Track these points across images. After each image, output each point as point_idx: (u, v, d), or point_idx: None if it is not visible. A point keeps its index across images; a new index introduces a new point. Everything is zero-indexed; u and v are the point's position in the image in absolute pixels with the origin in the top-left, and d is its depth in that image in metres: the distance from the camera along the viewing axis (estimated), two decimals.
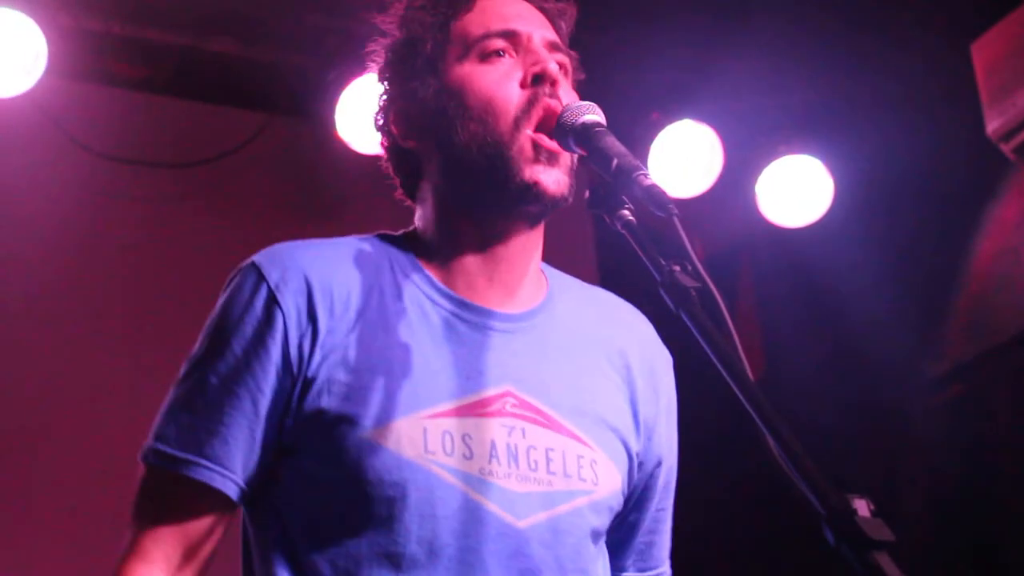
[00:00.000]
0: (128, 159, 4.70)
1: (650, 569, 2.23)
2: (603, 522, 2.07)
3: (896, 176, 5.27)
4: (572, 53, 2.14)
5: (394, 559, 1.91)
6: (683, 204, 4.78)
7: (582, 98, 2.00)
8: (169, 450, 1.93)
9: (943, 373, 5.43)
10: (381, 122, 2.12)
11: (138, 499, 1.97)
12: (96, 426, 4.73)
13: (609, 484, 2.04)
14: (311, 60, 4.78)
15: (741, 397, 1.56)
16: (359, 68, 4.43)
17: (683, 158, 5.11)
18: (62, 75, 4.46)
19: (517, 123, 1.98)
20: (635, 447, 2.10)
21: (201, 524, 1.97)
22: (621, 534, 2.18)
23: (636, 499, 2.15)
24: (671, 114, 5.01)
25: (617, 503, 2.08)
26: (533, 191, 1.96)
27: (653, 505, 2.19)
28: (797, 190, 5.23)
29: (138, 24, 4.63)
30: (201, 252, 4.68)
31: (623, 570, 2.20)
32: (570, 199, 1.99)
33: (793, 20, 4.93)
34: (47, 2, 4.36)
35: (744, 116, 5.24)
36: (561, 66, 2.05)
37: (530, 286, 2.12)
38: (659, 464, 2.17)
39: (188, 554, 1.96)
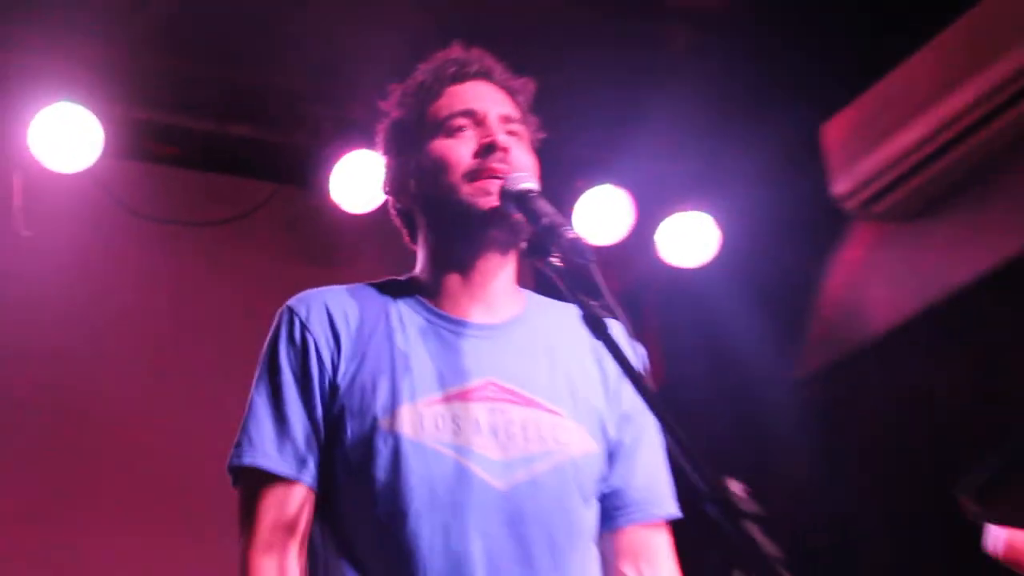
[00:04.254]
0: (165, 219, 5.10)
1: (658, 515, 2.35)
2: (585, 481, 2.24)
3: (766, 227, 5.79)
4: (531, 121, 2.35)
5: (402, 512, 2.11)
6: (601, 252, 5.73)
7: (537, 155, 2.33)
8: (251, 457, 2.17)
9: (801, 378, 5.96)
10: (385, 188, 2.40)
11: (241, 502, 2.20)
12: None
13: (583, 446, 2.23)
14: (310, 141, 5.16)
15: (645, 402, 1.85)
16: (347, 147, 5.08)
17: (601, 214, 5.57)
18: (114, 155, 4.82)
19: (469, 176, 2.20)
20: (607, 415, 2.28)
21: (293, 507, 2.18)
22: (619, 489, 2.32)
23: (623, 458, 2.31)
24: (592, 179, 5.51)
25: (597, 464, 2.26)
26: (487, 211, 2.17)
27: (640, 461, 2.33)
28: (691, 239, 5.73)
29: (173, 112, 5.03)
30: (232, 291, 5.12)
31: (631, 517, 2.34)
32: (528, 233, 2.16)
33: (690, 100, 5.30)
34: (103, 96, 4.71)
35: (651, 179, 5.67)
36: (515, 134, 2.26)
37: (507, 303, 2.31)
38: (630, 422, 2.33)
39: (289, 532, 2.18)
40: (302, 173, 5.25)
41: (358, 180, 5.14)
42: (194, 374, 5.10)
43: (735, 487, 1.55)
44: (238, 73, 5.23)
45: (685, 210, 5.69)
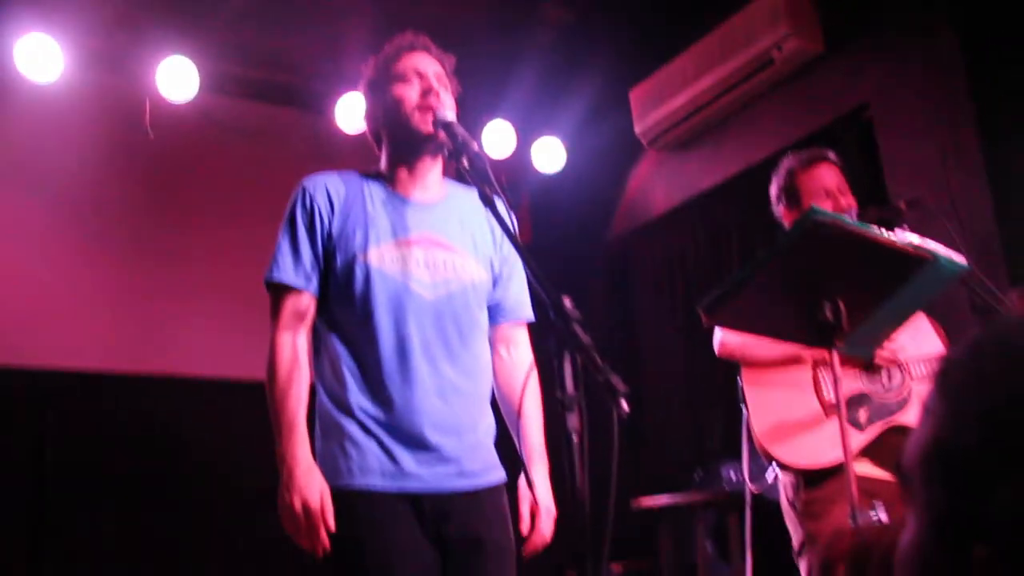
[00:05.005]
0: (239, 129, 5.48)
1: (522, 317, 2.48)
2: (479, 296, 2.37)
3: (595, 150, 6.33)
4: (453, 80, 2.45)
5: (369, 311, 2.25)
6: (494, 163, 5.64)
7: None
8: (278, 275, 2.30)
9: (610, 240, 6.38)
10: (364, 118, 2.49)
11: (272, 302, 2.32)
12: None
13: (479, 275, 2.35)
14: (322, 86, 5.57)
15: (515, 248, 2.14)
16: (345, 89, 5.43)
17: (495, 138, 6.00)
18: (206, 90, 5.18)
19: (416, 109, 2.32)
20: (494, 257, 2.41)
21: (303, 304, 2.30)
22: (499, 302, 2.44)
23: (502, 283, 2.43)
24: (488, 116, 5.94)
25: (486, 287, 2.38)
26: (426, 133, 2.29)
27: (511, 285, 2.46)
28: (548, 155, 6.25)
29: (243, 67, 5.46)
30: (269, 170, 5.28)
31: (505, 319, 2.46)
32: (450, 146, 2.24)
33: (551, 63, 5.87)
34: (204, 54, 5.09)
35: (525, 116, 6.11)
36: (443, 85, 2.38)
37: (436, 188, 2.42)
38: (506, 262, 2.43)
39: (302, 321, 2.31)
40: (318, 102, 5.61)
41: (350, 112, 5.52)
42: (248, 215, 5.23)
43: (567, 301, 1.73)
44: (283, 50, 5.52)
45: (546, 136, 6.16)
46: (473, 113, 5.45)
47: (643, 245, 6.30)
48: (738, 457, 4.15)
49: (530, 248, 2.10)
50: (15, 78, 4.77)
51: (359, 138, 4.89)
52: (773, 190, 3.10)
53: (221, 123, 5.49)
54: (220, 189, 5.59)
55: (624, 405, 1.63)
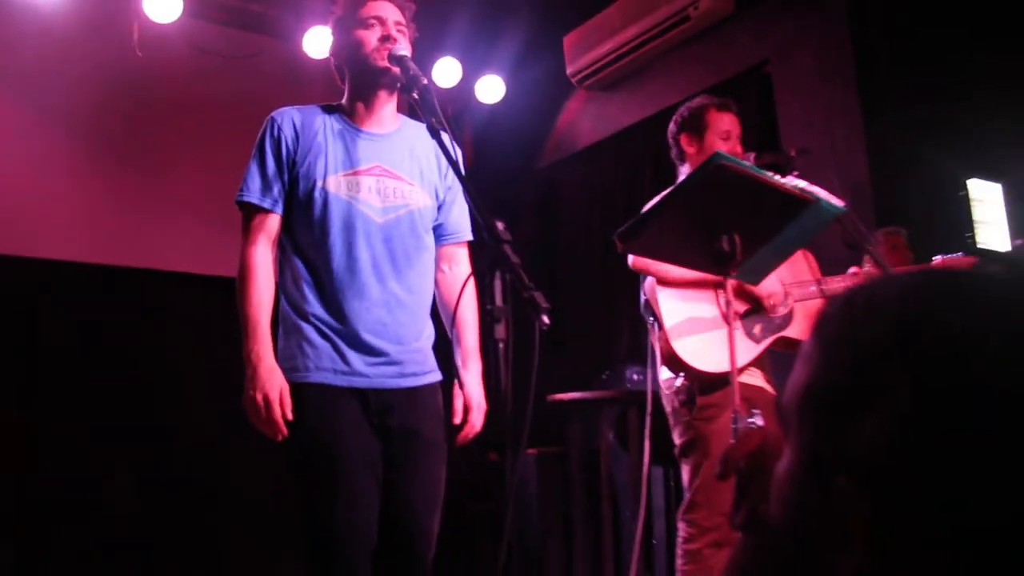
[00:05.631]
0: (211, 51, 5.25)
1: (462, 238, 2.47)
2: (425, 220, 2.36)
3: (531, 87, 6.22)
4: (411, 26, 2.39)
5: (325, 232, 2.24)
6: (443, 91, 5.78)
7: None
8: (248, 196, 2.29)
9: (541, 168, 6.33)
10: (330, 53, 2.46)
11: (243, 219, 2.31)
12: None
13: (425, 201, 2.35)
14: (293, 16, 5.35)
15: (457, 177, 2.03)
16: (312, 21, 5.27)
17: (441, 72, 5.86)
18: (188, 15, 5.00)
19: (374, 51, 2.29)
20: (439, 185, 2.40)
21: (269, 223, 2.29)
22: (442, 224, 2.43)
23: (445, 208, 2.43)
24: (436, 55, 5.73)
25: (431, 212, 2.38)
26: (382, 69, 2.27)
27: (453, 210, 2.45)
28: (490, 90, 6.06)
29: None
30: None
31: (447, 239, 2.45)
32: (403, 80, 2.21)
33: (495, 11, 5.69)
34: None
35: (471, 54, 5.92)
36: (401, 31, 2.34)
37: (390, 121, 2.38)
38: (450, 189, 2.41)
39: (268, 237, 2.29)
40: (289, 34, 5.44)
41: (316, 42, 5.35)
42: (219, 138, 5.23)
43: (500, 225, 1.74)
44: None
45: (487, 74, 6.03)
46: (425, 51, 5.16)
47: (569, 173, 6.24)
48: (639, 361, 4.43)
49: (471, 172, 2.16)
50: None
51: (323, 64, 4.92)
52: (680, 115, 3.09)
53: (201, 45, 5.33)
54: (199, 105, 5.45)
55: (545, 319, 1.69)
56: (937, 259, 3.15)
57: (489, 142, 6.49)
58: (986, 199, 4.78)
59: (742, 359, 2.71)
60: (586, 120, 6.09)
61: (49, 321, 4.94)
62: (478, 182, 1.97)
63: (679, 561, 2.75)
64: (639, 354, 4.59)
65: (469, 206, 2.12)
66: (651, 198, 5.02)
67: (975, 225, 4.70)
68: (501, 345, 1.71)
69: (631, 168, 5.79)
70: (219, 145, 5.17)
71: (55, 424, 4.85)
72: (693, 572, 2.69)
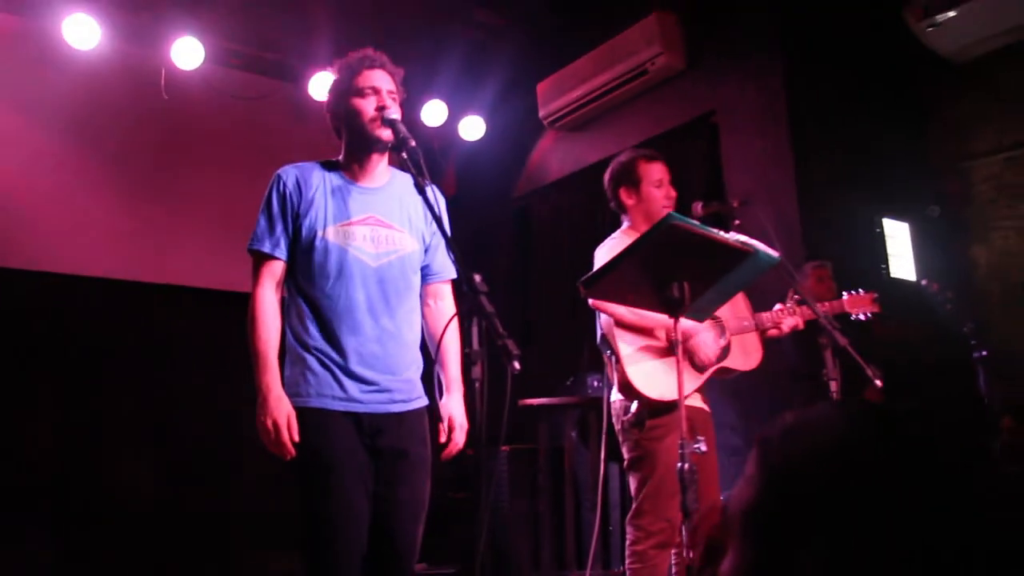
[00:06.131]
0: (232, 94, 5.25)
1: (446, 277, 2.42)
2: (414, 263, 2.33)
3: (508, 127, 6.15)
4: (401, 89, 2.35)
5: (326, 277, 2.21)
6: (431, 130, 5.81)
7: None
8: (257, 245, 2.27)
9: (515, 198, 6.23)
10: (327, 111, 2.38)
11: (253, 265, 2.28)
12: None
13: (413, 247, 2.32)
14: (301, 63, 5.33)
15: (440, 229, 2.01)
16: (317, 66, 5.24)
17: (429, 113, 5.77)
18: (209, 62, 5.02)
19: (371, 121, 2.25)
20: (426, 232, 2.36)
21: (275, 268, 2.26)
22: (428, 264, 2.40)
23: (431, 251, 2.39)
24: (425, 98, 5.68)
25: (418, 256, 2.35)
26: (378, 138, 2.24)
27: (437, 254, 2.41)
28: (472, 129, 6.02)
29: (242, 45, 5.26)
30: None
31: (433, 278, 2.42)
32: (394, 141, 2.19)
33: (477, 58, 5.72)
34: (210, 36, 4.93)
35: (454, 98, 5.82)
36: (393, 99, 2.30)
37: (382, 176, 2.34)
38: (435, 235, 2.35)
39: (275, 281, 2.26)
40: (297, 78, 5.42)
41: (320, 86, 5.22)
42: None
43: (477, 277, 1.72)
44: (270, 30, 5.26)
45: (469, 115, 6.01)
46: (414, 94, 5.32)
47: (540, 202, 6.27)
48: (600, 370, 4.41)
49: (455, 200, 2.17)
50: (63, 47, 4.76)
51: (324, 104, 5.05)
52: (613, 170, 3.05)
53: (220, 89, 5.34)
54: (217, 140, 5.45)
55: (516, 365, 1.69)
56: (845, 296, 3.15)
57: (471, 174, 6.46)
58: (896, 236, 4.91)
59: (688, 387, 2.74)
60: (556, 156, 6.06)
61: (76, 330, 4.93)
62: (461, 209, 1.99)
63: (628, 561, 2.76)
64: (600, 363, 4.59)
65: (452, 260, 2.09)
66: (610, 226, 5.03)
67: (889, 258, 4.82)
68: (477, 384, 1.71)
69: (595, 198, 5.53)
70: (235, 174, 5.18)
71: (80, 423, 4.86)
72: (639, 571, 2.70)
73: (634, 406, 2.80)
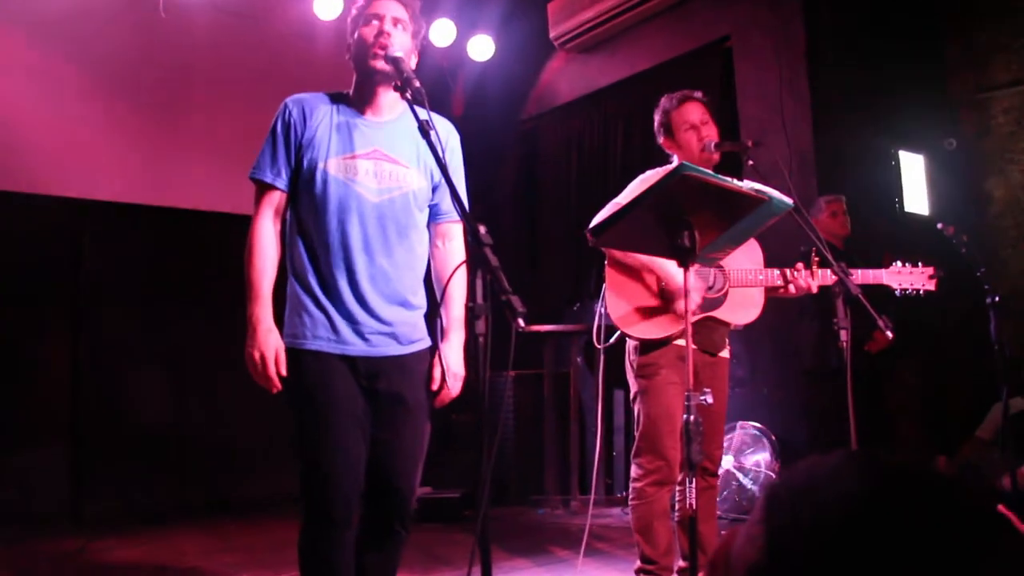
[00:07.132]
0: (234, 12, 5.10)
1: (454, 213, 2.29)
2: (420, 201, 2.25)
3: (519, 48, 5.93)
4: (416, 20, 2.24)
5: (323, 209, 2.15)
6: (441, 50, 5.66)
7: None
8: (258, 174, 2.20)
9: (523, 120, 6.14)
10: (347, 47, 2.27)
11: (255, 194, 2.21)
12: None
13: (420, 184, 2.24)
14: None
15: (443, 170, 1.90)
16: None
17: (438, 31, 5.62)
18: None
19: (368, 48, 2.17)
20: (434, 170, 2.26)
21: (276, 199, 2.20)
22: (437, 204, 2.31)
23: (441, 189, 2.29)
24: (434, 16, 5.49)
25: (426, 193, 2.26)
26: (372, 68, 2.15)
27: (444, 193, 2.29)
28: (481, 48, 5.80)
29: None
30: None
31: (442, 218, 2.33)
32: (398, 80, 2.05)
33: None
34: None
35: (462, 18, 5.66)
36: (401, 24, 2.18)
37: (390, 110, 2.24)
38: (444, 173, 2.06)
39: (275, 211, 2.20)
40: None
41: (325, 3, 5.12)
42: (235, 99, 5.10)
43: (482, 228, 1.66)
44: None
45: (478, 34, 5.85)
46: (422, 12, 5.16)
47: (548, 126, 6.14)
48: None
49: (462, 120, 2.12)
50: None
51: (330, 25, 5.00)
52: (655, 123, 2.96)
53: (220, 5, 5.12)
54: (218, 58, 5.23)
55: (520, 322, 1.58)
56: (897, 266, 2.82)
57: (479, 96, 6.31)
58: (911, 169, 4.78)
59: (671, 331, 2.73)
60: (564, 79, 5.96)
61: (92, 254, 4.93)
62: (468, 131, 1.90)
63: (630, 496, 2.79)
64: None
65: (457, 210, 1.97)
66: (622, 153, 5.16)
67: (903, 192, 4.71)
68: (481, 339, 1.65)
69: (604, 124, 5.70)
70: (236, 94, 5.06)
71: (98, 346, 4.87)
72: (638, 506, 2.72)
73: (613, 338, 2.80)
